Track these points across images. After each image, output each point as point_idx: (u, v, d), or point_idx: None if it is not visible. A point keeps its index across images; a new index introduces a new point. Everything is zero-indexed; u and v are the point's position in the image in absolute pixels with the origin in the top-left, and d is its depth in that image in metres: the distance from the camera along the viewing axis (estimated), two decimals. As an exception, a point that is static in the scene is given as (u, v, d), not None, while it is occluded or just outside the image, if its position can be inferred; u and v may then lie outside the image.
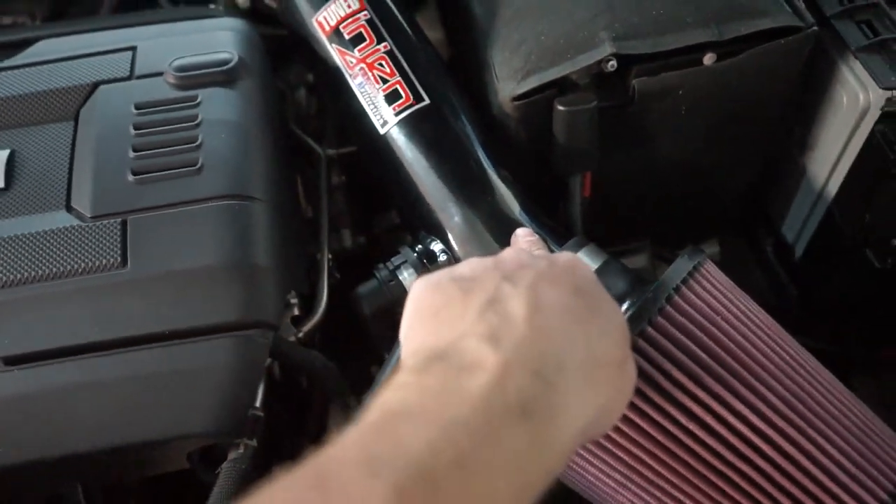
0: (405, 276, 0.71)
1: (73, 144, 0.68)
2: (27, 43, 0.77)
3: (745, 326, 0.61)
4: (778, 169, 0.91)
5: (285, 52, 0.93)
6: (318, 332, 0.73)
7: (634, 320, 0.59)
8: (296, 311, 0.70)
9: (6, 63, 0.74)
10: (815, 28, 0.75)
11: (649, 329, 0.59)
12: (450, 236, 0.71)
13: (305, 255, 0.75)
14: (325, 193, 0.80)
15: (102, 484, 0.63)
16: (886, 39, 0.75)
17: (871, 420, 0.61)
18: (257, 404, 0.63)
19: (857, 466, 0.58)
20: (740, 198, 0.93)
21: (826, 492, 0.57)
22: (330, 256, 0.76)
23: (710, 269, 0.64)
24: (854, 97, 0.76)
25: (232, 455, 0.61)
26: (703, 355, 0.58)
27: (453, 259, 0.71)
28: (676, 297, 0.60)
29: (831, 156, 0.82)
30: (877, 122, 0.75)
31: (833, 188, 0.83)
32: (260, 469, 0.64)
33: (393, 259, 0.72)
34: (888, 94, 0.73)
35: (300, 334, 0.69)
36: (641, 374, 0.58)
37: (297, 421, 0.74)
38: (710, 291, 0.62)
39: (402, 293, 0.71)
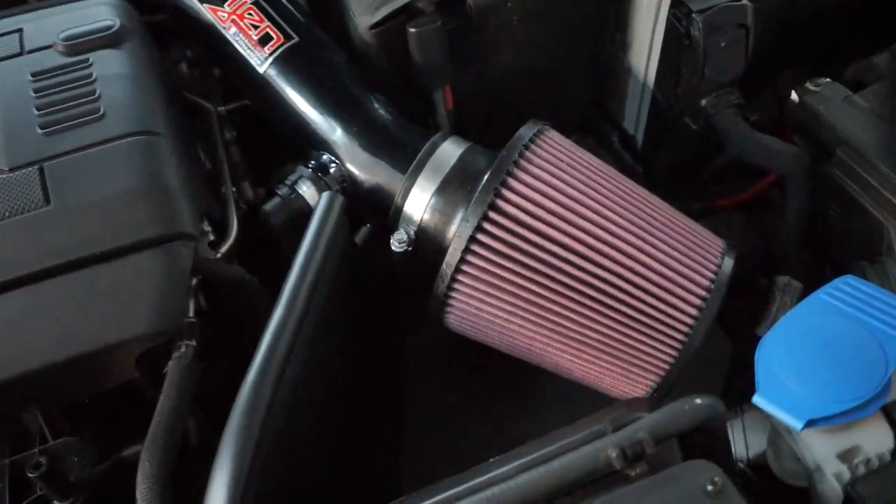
0: (303, 188, 0.82)
1: (-23, 116, 0.74)
2: None
3: (583, 169, 0.75)
4: (610, 73, 1.07)
5: (161, 35, 1.02)
6: (235, 257, 0.81)
7: (494, 176, 0.71)
8: (211, 237, 0.78)
9: None
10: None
11: (509, 179, 0.71)
12: (335, 147, 0.82)
13: (209, 185, 0.83)
14: (220, 139, 0.89)
15: (61, 402, 0.70)
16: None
17: (691, 225, 0.76)
18: (191, 313, 0.71)
19: (687, 256, 0.72)
20: (583, 100, 1.08)
21: (665, 279, 0.71)
22: (234, 189, 0.85)
23: (551, 132, 0.78)
24: (650, -7, 0.92)
25: (176, 354, 0.69)
26: (555, 194, 0.72)
27: (342, 166, 0.82)
28: (527, 152, 0.73)
29: (644, 48, 0.98)
30: (670, 9, 0.91)
31: (651, 76, 0.99)
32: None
33: (290, 177, 0.82)
34: (676, -17, 0.89)
35: (218, 255, 0.78)
36: (507, 216, 0.71)
37: (231, 334, 0.82)
38: (554, 146, 0.76)
39: (303, 204, 0.82)
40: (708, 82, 0.90)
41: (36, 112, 0.73)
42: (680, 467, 0.59)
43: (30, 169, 0.70)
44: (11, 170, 0.70)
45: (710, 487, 0.56)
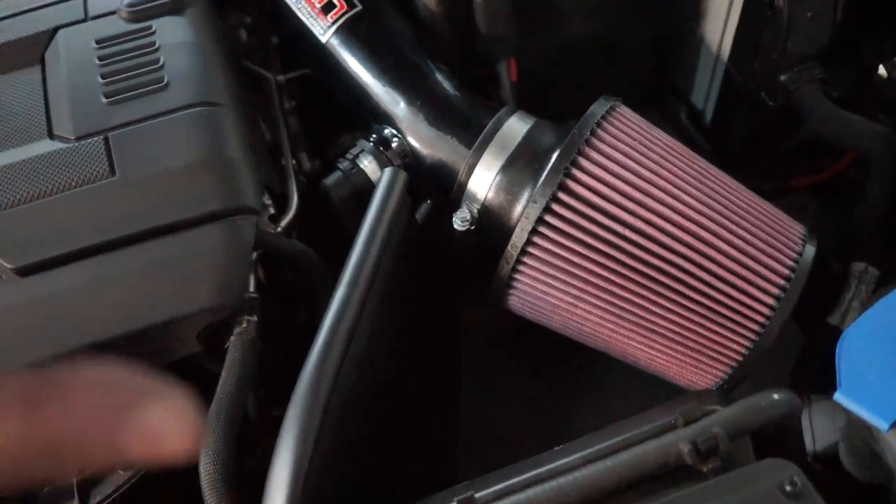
0: (365, 163, 0.80)
1: (45, 83, 0.74)
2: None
3: (658, 149, 0.72)
4: (680, 43, 1.02)
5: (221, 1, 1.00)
6: (294, 230, 0.80)
7: (564, 155, 0.68)
8: (272, 211, 0.77)
9: (-36, 24, 0.79)
10: None
11: (579, 158, 0.69)
12: (397, 121, 0.80)
13: (269, 156, 0.82)
14: (280, 109, 0.87)
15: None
16: None
17: (770, 210, 0.73)
18: (251, 289, 0.71)
19: (766, 243, 0.69)
20: (650, 71, 1.04)
21: (741, 267, 0.68)
22: (294, 162, 0.84)
23: (624, 109, 0.74)
24: (730, -41, 0.87)
25: (237, 330, 0.69)
26: (628, 175, 0.69)
27: (404, 140, 0.80)
28: (599, 130, 0.70)
29: (720, 18, 0.93)
30: (752, -22, 0.86)
31: (726, 47, 0.94)
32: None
33: (351, 150, 0.81)
34: (757, -51, 0.84)
35: (279, 229, 0.77)
36: (576, 197, 0.68)
37: (290, 309, 0.82)
38: (626, 124, 0.72)
39: (364, 179, 0.80)
40: (789, 56, 0.85)
41: (101, 80, 0.73)
42: (756, 466, 0.56)
43: (96, 139, 0.69)
44: (77, 139, 0.69)
45: (788, 487, 0.54)
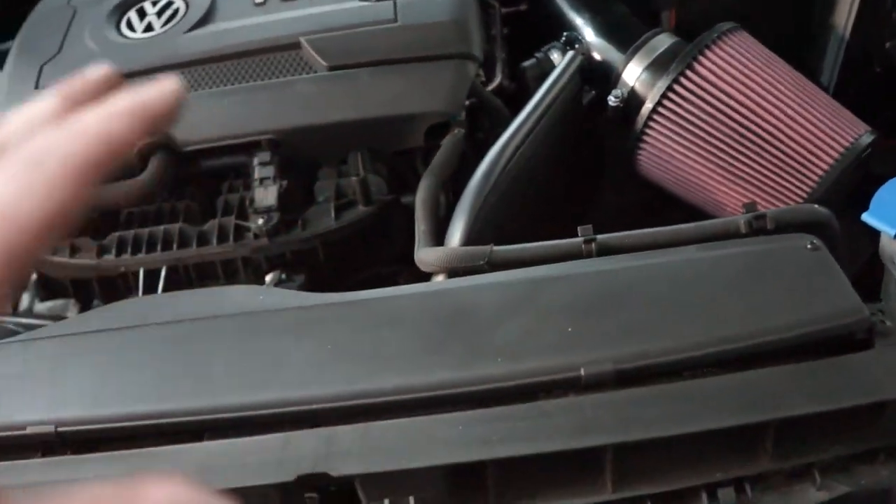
0: (554, 55, 1.14)
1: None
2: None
3: (762, 56, 1.00)
4: (813, 33, 1.29)
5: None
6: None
7: (688, 54, 0.99)
8: (483, 79, 1.13)
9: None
10: None
11: (699, 58, 0.98)
12: (582, 32, 1.13)
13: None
14: (500, 27, 1.23)
15: (372, 151, 1.06)
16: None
17: (844, 112, 0.98)
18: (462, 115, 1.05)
19: (830, 122, 0.95)
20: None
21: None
22: (503, 55, 1.19)
23: (741, 31, 1.03)
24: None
25: (451, 134, 1.03)
26: (736, 70, 0.97)
27: (584, 45, 1.13)
28: (719, 41, 1.00)
29: (845, 7, 1.19)
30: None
31: (849, 29, 1.20)
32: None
33: (544, 47, 1.15)
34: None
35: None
36: (695, 80, 0.97)
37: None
38: (740, 38, 1.01)
39: (551, 65, 1.14)
40: (892, 26, 1.10)
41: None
42: (789, 235, 0.81)
43: (388, 2, 1.09)
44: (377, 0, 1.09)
45: (809, 246, 0.78)
